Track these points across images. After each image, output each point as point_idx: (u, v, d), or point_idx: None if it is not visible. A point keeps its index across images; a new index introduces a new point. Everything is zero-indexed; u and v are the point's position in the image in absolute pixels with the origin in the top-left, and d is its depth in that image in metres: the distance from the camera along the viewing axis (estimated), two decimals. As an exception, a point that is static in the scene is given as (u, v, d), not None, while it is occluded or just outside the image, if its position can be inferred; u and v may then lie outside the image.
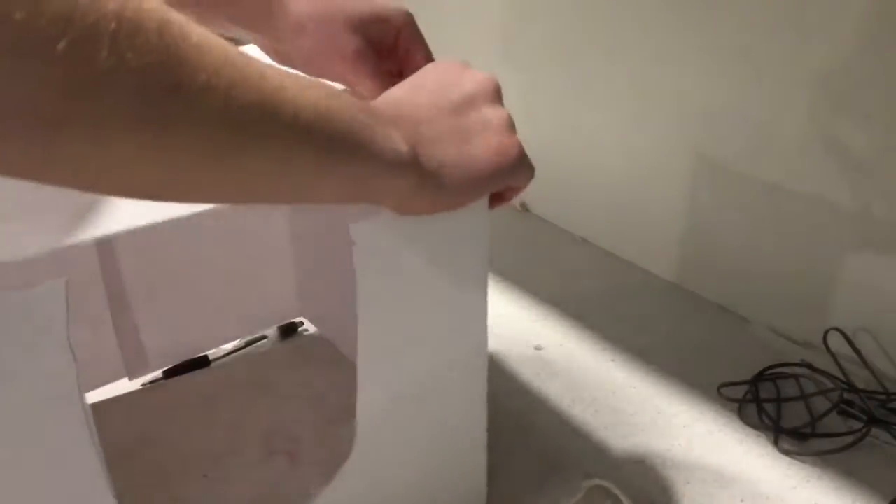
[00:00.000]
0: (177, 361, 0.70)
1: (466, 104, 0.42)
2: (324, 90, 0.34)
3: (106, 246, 0.62)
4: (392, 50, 0.49)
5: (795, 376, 0.70)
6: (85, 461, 0.38)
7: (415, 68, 0.46)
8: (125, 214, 0.38)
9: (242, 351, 0.73)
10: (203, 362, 0.71)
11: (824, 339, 0.71)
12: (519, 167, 0.43)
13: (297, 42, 0.48)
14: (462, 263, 0.46)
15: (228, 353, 0.73)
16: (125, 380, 0.69)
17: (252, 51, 0.65)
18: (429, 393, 0.48)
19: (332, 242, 0.66)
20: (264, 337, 0.74)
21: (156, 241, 0.64)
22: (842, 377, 0.68)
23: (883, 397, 0.66)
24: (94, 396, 0.67)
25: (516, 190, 0.46)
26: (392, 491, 0.50)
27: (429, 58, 0.50)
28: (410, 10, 0.50)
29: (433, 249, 0.44)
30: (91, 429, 0.37)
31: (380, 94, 0.43)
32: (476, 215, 0.45)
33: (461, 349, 0.49)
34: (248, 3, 0.48)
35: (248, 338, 0.74)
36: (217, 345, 0.72)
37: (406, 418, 0.48)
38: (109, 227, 0.38)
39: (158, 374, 0.70)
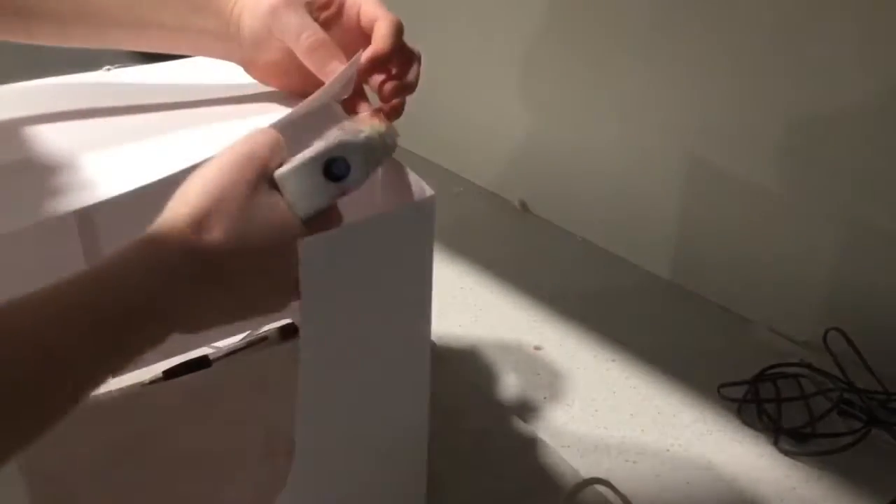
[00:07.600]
0: (157, 361, 0.69)
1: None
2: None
3: (88, 235, 0.61)
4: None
5: (795, 376, 0.70)
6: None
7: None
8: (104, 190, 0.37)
9: (243, 352, 0.73)
10: (203, 362, 0.71)
11: (824, 339, 0.71)
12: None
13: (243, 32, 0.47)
14: (406, 283, 0.46)
15: (228, 354, 0.72)
16: (125, 379, 0.69)
17: (229, 67, 0.64)
18: (371, 406, 0.49)
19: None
20: (265, 338, 0.74)
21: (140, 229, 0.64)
22: (842, 377, 0.68)
23: (883, 397, 0.66)
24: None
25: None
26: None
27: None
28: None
29: (379, 269, 0.44)
30: None
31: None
32: (421, 234, 0.45)
33: (403, 367, 0.49)
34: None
35: (250, 339, 0.74)
36: (200, 345, 0.72)
37: (347, 433, 0.48)
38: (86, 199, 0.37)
39: (159, 373, 0.70)
